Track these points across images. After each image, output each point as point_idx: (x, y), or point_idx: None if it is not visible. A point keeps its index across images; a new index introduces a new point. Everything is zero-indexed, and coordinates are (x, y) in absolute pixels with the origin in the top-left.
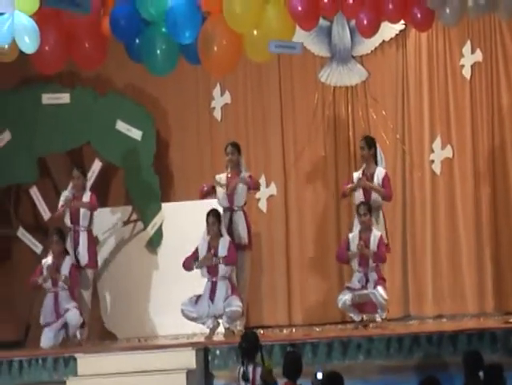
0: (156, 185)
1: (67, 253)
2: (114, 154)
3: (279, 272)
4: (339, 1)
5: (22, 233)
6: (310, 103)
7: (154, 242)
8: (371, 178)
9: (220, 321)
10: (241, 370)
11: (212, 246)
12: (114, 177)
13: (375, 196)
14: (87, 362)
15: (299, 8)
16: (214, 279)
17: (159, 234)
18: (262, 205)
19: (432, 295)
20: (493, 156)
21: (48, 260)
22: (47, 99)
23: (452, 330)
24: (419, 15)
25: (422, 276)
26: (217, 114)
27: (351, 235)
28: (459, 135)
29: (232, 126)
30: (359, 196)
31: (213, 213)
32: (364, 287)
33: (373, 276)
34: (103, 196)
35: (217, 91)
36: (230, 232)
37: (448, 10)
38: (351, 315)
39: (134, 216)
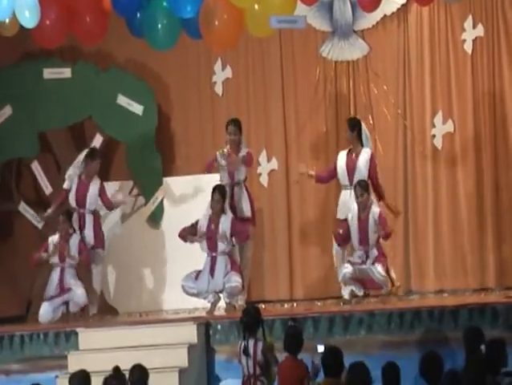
0: (157, 160)
1: (74, 231)
2: (115, 129)
3: (281, 247)
4: None
5: (24, 208)
6: (311, 78)
7: (155, 217)
8: (356, 158)
9: (220, 295)
10: (243, 344)
11: (213, 222)
12: (115, 152)
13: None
14: (88, 337)
15: None
16: (214, 254)
17: (160, 209)
18: (264, 180)
19: (434, 270)
20: (494, 131)
21: (55, 237)
22: (49, 73)
23: (453, 305)
24: None
25: (424, 251)
26: (219, 89)
27: (350, 215)
28: (460, 109)
29: (233, 100)
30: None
31: (218, 190)
32: (364, 263)
33: (373, 253)
34: (104, 170)
35: (218, 65)
36: (233, 207)
37: None
38: (352, 288)
39: (135, 191)
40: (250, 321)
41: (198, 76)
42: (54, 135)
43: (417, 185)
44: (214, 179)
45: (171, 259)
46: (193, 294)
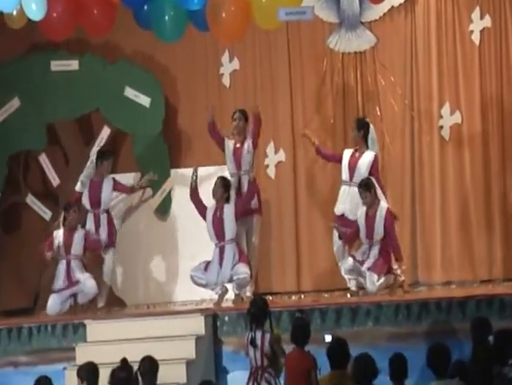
0: (164, 152)
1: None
2: (123, 121)
3: (288, 238)
4: None
5: (31, 200)
6: (318, 70)
7: (163, 209)
8: (359, 157)
9: (228, 287)
10: (250, 336)
11: (218, 209)
12: (123, 144)
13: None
14: (96, 329)
15: None
16: (222, 243)
17: (168, 201)
18: (271, 172)
19: (441, 262)
20: (501, 122)
21: (59, 232)
22: (56, 66)
23: (461, 297)
24: None
25: (431, 242)
26: (226, 80)
27: (359, 212)
28: (468, 100)
29: (240, 92)
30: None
31: (219, 181)
32: (364, 262)
33: (374, 251)
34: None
35: (225, 57)
36: (240, 196)
37: None
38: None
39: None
40: (258, 312)
41: (206, 68)
42: (62, 128)
43: (424, 177)
44: (222, 170)
45: (178, 251)
46: (201, 285)
